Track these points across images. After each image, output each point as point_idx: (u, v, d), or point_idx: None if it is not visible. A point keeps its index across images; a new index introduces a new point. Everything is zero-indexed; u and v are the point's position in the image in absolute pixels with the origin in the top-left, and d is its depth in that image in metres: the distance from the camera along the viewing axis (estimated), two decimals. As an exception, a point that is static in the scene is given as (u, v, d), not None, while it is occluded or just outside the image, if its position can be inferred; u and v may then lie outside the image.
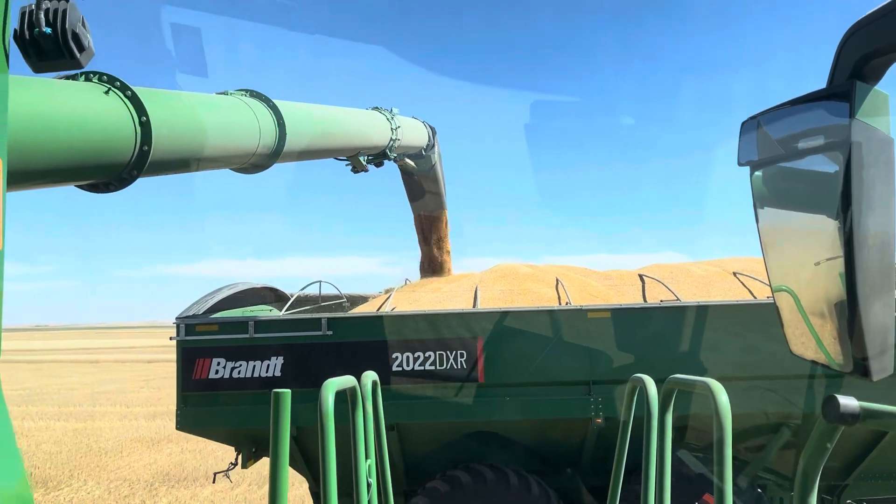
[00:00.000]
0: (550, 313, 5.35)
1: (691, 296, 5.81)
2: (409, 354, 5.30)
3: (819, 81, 0.98)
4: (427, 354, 5.30)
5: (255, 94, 4.54)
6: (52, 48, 2.31)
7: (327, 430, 2.46)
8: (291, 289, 7.29)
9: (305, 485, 6.53)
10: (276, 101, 4.56)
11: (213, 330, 5.44)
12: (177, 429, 5.47)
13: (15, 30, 2.27)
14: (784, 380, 5.05)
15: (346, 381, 2.78)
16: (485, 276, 7.05)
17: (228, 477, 6.14)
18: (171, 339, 5.51)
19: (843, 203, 0.88)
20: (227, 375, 5.32)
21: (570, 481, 5.73)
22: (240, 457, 5.74)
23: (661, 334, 5.28)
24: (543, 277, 6.70)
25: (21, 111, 2.46)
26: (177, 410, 5.41)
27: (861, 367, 0.92)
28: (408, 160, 7.81)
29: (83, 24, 2.37)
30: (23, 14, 2.29)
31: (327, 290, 7.89)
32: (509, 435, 5.59)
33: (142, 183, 3.37)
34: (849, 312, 0.91)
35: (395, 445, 5.36)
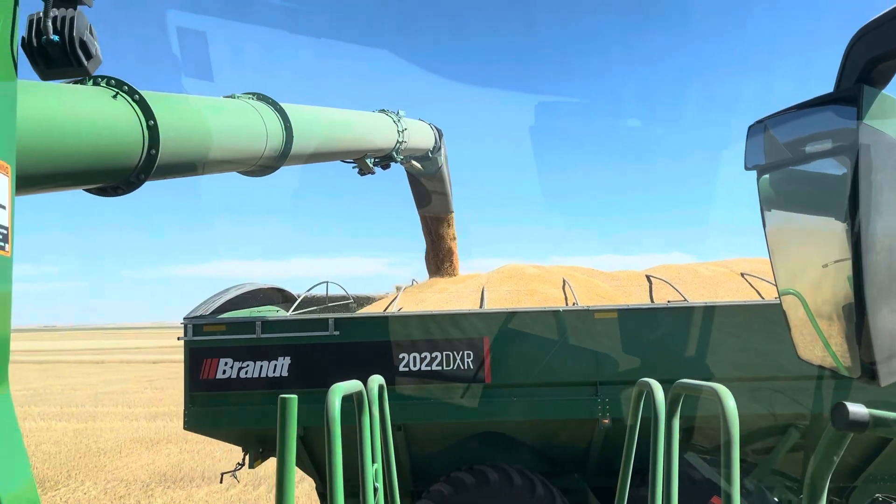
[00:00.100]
0: (557, 314, 5.34)
1: (699, 296, 5.79)
2: (416, 355, 5.30)
3: (826, 85, 0.98)
4: (434, 355, 5.30)
5: (261, 98, 4.54)
6: (59, 56, 2.32)
7: (334, 436, 2.46)
8: (298, 289, 7.31)
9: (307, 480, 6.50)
10: (282, 104, 4.57)
11: (221, 330, 5.46)
12: (184, 429, 5.49)
13: (23, 37, 2.29)
14: (792, 381, 5.02)
15: (353, 385, 2.78)
16: (492, 277, 7.05)
17: (236, 477, 6.16)
18: (178, 339, 5.54)
19: (850, 207, 0.88)
20: (234, 375, 5.34)
21: (576, 483, 5.72)
22: (247, 457, 5.76)
23: (668, 335, 5.26)
24: (550, 278, 6.70)
25: (29, 116, 2.48)
26: (184, 410, 5.43)
27: (870, 372, 0.92)
28: (414, 162, 7.81)
29: (91, 32, 2.38)
30: (30, 22, 2.30)
31: (334, 291, 7.92)
32: (516, 435, 5.59)
33: (150, 185, 3.39)
34: (857, 316, 0.90)
35: (401, 446, 5.36)
